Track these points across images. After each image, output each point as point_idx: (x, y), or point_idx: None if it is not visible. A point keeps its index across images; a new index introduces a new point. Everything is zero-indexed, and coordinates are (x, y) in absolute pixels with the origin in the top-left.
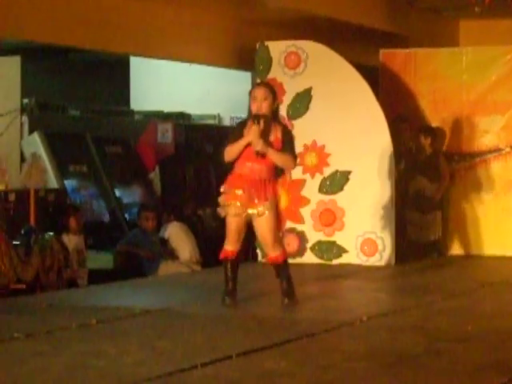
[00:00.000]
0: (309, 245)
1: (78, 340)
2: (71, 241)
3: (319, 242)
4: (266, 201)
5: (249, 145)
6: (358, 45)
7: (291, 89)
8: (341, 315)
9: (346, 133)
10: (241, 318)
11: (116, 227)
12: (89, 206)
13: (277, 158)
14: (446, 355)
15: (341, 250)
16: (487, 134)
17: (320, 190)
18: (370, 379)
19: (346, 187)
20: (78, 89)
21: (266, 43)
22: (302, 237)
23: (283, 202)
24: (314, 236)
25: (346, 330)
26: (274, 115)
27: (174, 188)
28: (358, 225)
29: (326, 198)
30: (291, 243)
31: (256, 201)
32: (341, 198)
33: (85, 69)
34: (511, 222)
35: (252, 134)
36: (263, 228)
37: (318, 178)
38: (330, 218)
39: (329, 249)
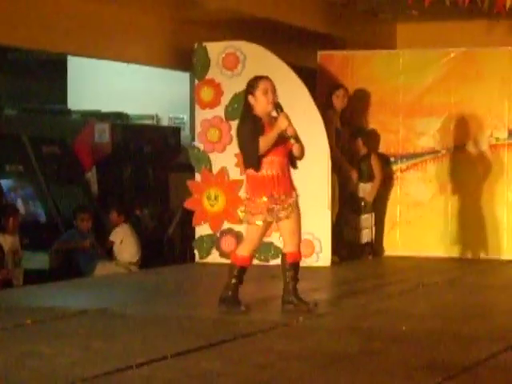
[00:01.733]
0: None
1: (13, 340)
2: (7, 241)
3: None
4: (292, 197)
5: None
6: (296, 46)
7: (229, 89)
8: (277, 316)
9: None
10: (177, 318)
11: (52, 227)
12: (25, 206)
13: (301, 145)
14: (380, 355)
15: (278, 251)
16: (423, 136)
17: None
18: (305, 379)
19: None
20: (14, 88)
21: (204, 44)
22: (239, 237)
23: (221, 204)
24: None
25: (282, 331)
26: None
27: (111, 188)
28: None
29: None
30: (229, 244)
31: (285, 199)
32: None
33: (22, 68)
34: (447, 223)
35: (284, 120)
36: (293, 224)
37: None
38: None
39: (266, 249)
